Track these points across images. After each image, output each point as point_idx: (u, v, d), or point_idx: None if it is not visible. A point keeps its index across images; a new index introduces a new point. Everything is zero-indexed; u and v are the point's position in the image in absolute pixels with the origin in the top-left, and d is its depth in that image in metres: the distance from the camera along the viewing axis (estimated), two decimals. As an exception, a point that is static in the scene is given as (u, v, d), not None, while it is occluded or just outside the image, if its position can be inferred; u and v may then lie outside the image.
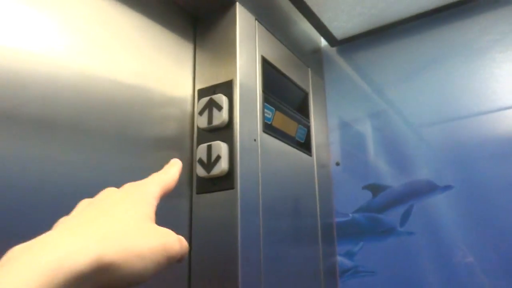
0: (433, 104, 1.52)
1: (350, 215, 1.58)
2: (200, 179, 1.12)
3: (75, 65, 0.91)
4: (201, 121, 1.15)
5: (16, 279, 0.33)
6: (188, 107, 1.20)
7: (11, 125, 0.77)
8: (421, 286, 1.40)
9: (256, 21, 1.30)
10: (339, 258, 1.55)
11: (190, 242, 1.10)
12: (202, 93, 1.19)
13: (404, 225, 1.47)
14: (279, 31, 1.42)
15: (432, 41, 1.57)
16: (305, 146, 1.46)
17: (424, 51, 1.59)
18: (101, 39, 0.99)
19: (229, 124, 1.12)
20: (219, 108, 1.12)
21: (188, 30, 1.27)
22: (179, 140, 1.16)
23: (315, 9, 1.48)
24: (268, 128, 1.24)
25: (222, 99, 1.12)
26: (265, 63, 1.29)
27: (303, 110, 1.50)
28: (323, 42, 1.78)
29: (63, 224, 0.45)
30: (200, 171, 1.10)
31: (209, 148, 1.10)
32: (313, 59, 1.69)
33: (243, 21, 1.23)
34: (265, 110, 1.24)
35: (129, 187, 0.55)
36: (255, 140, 1.17)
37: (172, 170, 0.61)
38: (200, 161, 1.11)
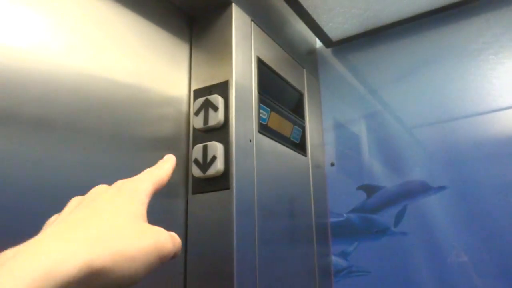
0: (427, 105, 1.53)
1: (345, 215, 1.59)
2: (196, 179, 1.13)
3: (71, 65, 0.91)
4: (197, 122, 1.15)
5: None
6: (184, 108, 1.21)
7: (7, 125, 0.77)
8: (414, 286, 1.41)
9: (252, 22, 1.30)
10: (333, 258, 1.56)
11: (185, 242, 1.10)
12: (198, 93, 1.20)
13: (398, 225, 1.48)
14: (274, 32, 1.43)
15: (426, 42, 1.59)
16: (300, 146, 1.47)
17: (418, 53, 1.60)
18: (97, 39, 0.99)
19: (225, 124, 1.12)
20: (215, 108, 1.12)
21: (184, 30, 1.27)
22: (175, 140, 1.16)
23: (310, 10, 1.49)
24: (264, 129, 1.25)
25: (218, 100, 1.13)
26: (261, 63, 1.29)
27: (298, 110, 1.50)
28: (318, 43, 1.79)
29: (52, 227, 0.43)
30: (195, 171, 1.11)
31: (205, 148, 1.10)
32: (308, 60, 1.69)
33: (239, 21, 1.23)
34: (261, 111, 1.25)
35: (120, 184, 0.54)
36: (250, 140, 1.17)
37: (166, 166, 0.60)
38: (196, 162, 1.11)
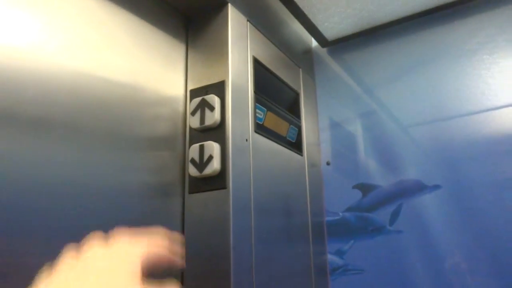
0: (422, 105, 1.54)
1: (341, 214, 1.60)
2: (193, 179, 1.13)
3: (67, 65, 0.91)
4: (194, 121, 1.16)
5: None
6: (181, 107, 1.21)
7: (4, 124, 0.77)
8: (409, 284, 1.42)
9: (248, 22, 1.31)
10: (329, 257, 1.57)
11: (182, 241, 1.11)
12: (194, 93, 1.20)
13: (394, 224, 1.49)
14: (270, 32, 1.44)
15: (422, 42, 1.60)
16: (296, 146, 1.48)
17: (413, 53, 1.61)
18: (94, 39, 0.99)
19: (221, 124, 1.13)
20: (211, 108, 1.13)
21: (180, 30, 1.28)
22: (172, 140, 1.17)
23: (306, 10, 1.50)
24: (260, 128, 1.26)
25: (214, 100, 1.13)
26: (257, 63, 1.30)
27: (294, 110, 1.51)
28: (314, 43, 1.80)
29: None
30: (192, 170, 1.12)
31: (202, 148, 1.11)
32: (304, 60, 1.70)
33: (235, 22, 1.24)
34: (257, 111, 1.26)
35: (116, 249, 0.51)
36: (247, 140, 1.18)
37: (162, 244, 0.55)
38: (193, 161, 1.12)
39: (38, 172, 0.81)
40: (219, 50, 1.20)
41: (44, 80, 0.86)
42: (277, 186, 1.30)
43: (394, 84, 1.62)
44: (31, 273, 0.78)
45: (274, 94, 1.38)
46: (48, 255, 0.81)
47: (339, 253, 1.56)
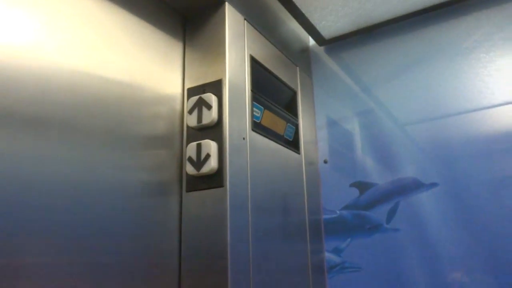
0: (419, 103, 1.54)
1: (338, 212, 1.60)
2: (190, 177, 1.14)
3: (65, 64, 0.91)
4: (191, 120, 1.16)
5: None
6: (178, 106, 1.21)
7: (3, 123, 0.77)
8: (406, 281, 1.43)
9: (245, 20, 1.31)
10: (326, 254, 1.57)
11: (180, 239, 1.11)
12: (192, 92, 1.21)
13: (391, 221, 1.50)
14: (268, 31, 1.44)
15: (418, 41, 1.60)
16: (293, 144, 1.48)
17: (410, 51, 1.61)
18: (92, 38, 0.99)
19: (219, 123, 1.13)
20: (209, 107, 1.13)
21: (177, 29, 1.28)
22: (169, 139, 1.17)
23: (303, 9, 1.50)
24: (257, 127, 1.26)
25: (212, 98, 1.14)
26: (254, 62, 1.30)
27: (291, 108, 1.52)
28: (311, 41, 1.80)
29: None
30: (189, 169, 1.12)
31: (199, 146, 1.11)
32: (301, 58, 1.71)
33: (232, 20, 1.24)
34: (254, 109, 1.26)
35: None
36: (244, 138, 1.18)
37: None
38: (190, 160, 1.12)
39: (35, 170, 0.82)
40: (216, 49, 1.20)
41: (42, 79, 0.86)
42: (274, 184, 1.31)
43: (391, 82, 1.62)
44: (31, 273, 0.78)
45: (272, 93, 1.38)
46: (46, 253, 0.81)
47: (337, 251, 1.56)
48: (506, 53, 1.44)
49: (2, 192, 0.76)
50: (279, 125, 1.40)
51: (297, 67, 1.63)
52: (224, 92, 1.15)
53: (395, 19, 1.61)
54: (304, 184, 1.51)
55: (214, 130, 1.13)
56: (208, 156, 1.09)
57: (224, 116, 1.13)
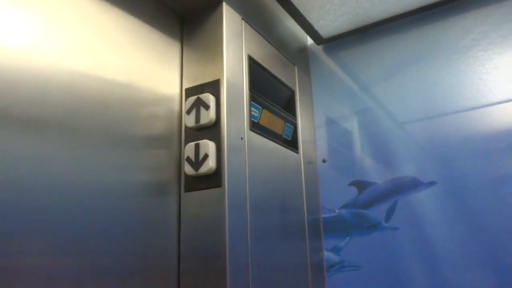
0: (417, 102, 1.54)
1: (337, 211, 1.60)
2: (188, 177, 1.14)
3: (63, 65, 0.91)
4: (189, 120, 1.16)
5: None
6: (176, 106, 1.22)
7: (1, 125, 0.78)
8: (405, 280, 1.43)
9: (243, 20, 1.31)
10: (326, 253, 1.58)
11: (179, 239, 1.12)
12: (190, 92, 1.21)
13: (389, 220, 1.50)
14: (265, 30, 1.44)
15: (416, 39, 1.60)
16: (292, 143, 1.48)
17: (408, 50, 1.61)
18: (90, 39, 0.99)
19: (217, 123, 1.13)
20: (207, 107, 1.13)
21: (175, 30, 1.28)
22: (168, 139, 1.17)
23: (301, 8, 1.50)
24: (255, 127, 1.26)
25: (210, 98, 1.14)
26: (252, 62, 1.31)
27: (289, 108, 1.52)
28: (309, 41, 1.80)
29: None
30: (188, 169, 1.12)
31: (197, 146, 1.12)
32: (299, 57, 1.71)
33: (229, 20, 1.24)
34: (252, 109, 1.26)
35: None
36: (242, 138, 1.19)
37: None
38: (188, 160, 1.12)
39: (35, 171, 0.82)
40: (214, 49, 1.21)
41: (40, 80, 0.86)
42: (273, 184, 1.31)
43: (389, 81, 1.62)
44: (29, 274, 0.79)
45: (270, 92, 1.38)
46: (44, 254, 0.82)
47: (336, 250, 1.56)
48: (504, 51, 1.44)
49: (1, 193, 0.76)
50: (278, 125, 1.40)
51: (295, 67, 1.63)
52: (222, 92, 1.15)
53: (393, 17, 1.61)
54: (303, 183, 1.51)
55: (212, 130, 1.13)
56: (206, 156, 1.09)
57: (222, 116, 1.13)
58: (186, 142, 1.16)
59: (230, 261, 1.03)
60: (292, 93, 1.56)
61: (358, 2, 1.50)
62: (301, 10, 1.51)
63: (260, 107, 1.30)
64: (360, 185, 1.58)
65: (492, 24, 1.47)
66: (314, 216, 1.56)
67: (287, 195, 1.39)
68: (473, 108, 1.45)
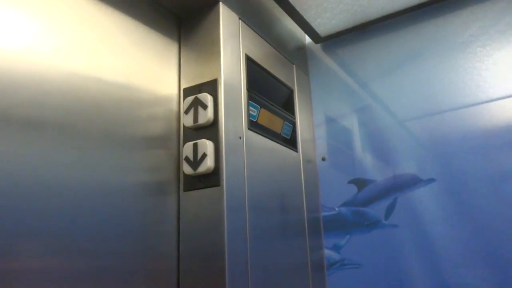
0: (416, 99, 1.54)
1: (337, 209, 1.60)
2: (187, 177, 1.14)
3: (62, 66, 0.92)
4: (187, 120, 1.17)
5: None
6: (174, 106, 1.22)
7: (0, 127, 0.78)
8: (405, 277, 1.43)
9: (240, 20, 1.31)
10: (326, 251, 1.58)
11: (178, 238, 1.12)
12: (188, 92, 1.21)
13: (389, 218, 1.50)
14: (263, 30, 1.44)
15: (414, 36, 1.60)
16: (291, 142, 1.48)
17: (406, 47, 1.61)
18: (88, 40, 1.00)
19: (214, 122, 1.14)
20: (204, 107, 1.14)
21: (172, 30, 1.28)
22: (166, 139, 1.17)
23: (298, 7, 1.50)
24: (254, 126, 1.26)
25: (207, 98, 1.14)
26: (249, 61, 1.31)
27: (288, 106, 1.52)
28: (307, 39, 1.80)
29: None
30: (186, 169, 1.12)
31: (195, 146, 1.12)
32: (297, 56, 1.71)
33: (226, 20, 1.24)
34: (250, 108, 1.26)
35: None
36: (240, 137, 1.19)
37: None
38: (187, 159, 1.13)
39: (34, 173, 0.82)
40: (211, 49, 1.21)
41: (38, 81, 0.86)
42: (272, 183, 1.31)
43: (388, 78, 1.62)
44: (28, 275, 0.79)
45: (268, 91, 1.39)
46: (44, 255, 0.82)
47: (336, 248, 1.57)
48: (503, 46, 1.44)
49: (1, 195, 0.76)
50: (276, 124, 1.40)
51: (294, 65, 1.63)
52: (219, 92, 1.15)
53: (391, 15, 1.61)
54: (303, 182, 1.52)
55: (210, 130, 1.13)
56: (204, 155, 1.10)
57: (220, 116, 1.13)
58: (185, 142, 1.16)
59: (229, 261, 1.03)
60: (291, 91, 1.56)
61: (355, 0, 1.50)
62: (298, 9, 1.52)
63: (258, 106, 1.31)
64: (360, 183, 1.59)
65: (490, 20, 1.47)
66: (314, 215, 1.56)
67: (287, 194, 1.39)
68: (472, 105, 1.44)
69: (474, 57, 1.47)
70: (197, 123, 1.14)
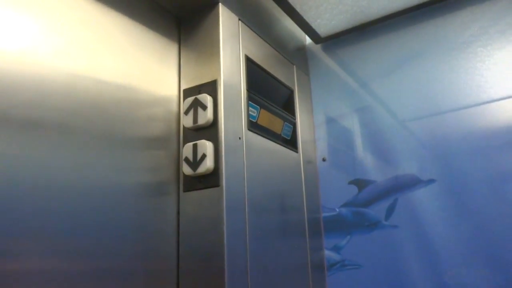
0: (417, 99, 1.54)
1: (337, 209, 1.60)
2: (187, 177, 1.14)
3: (62, 67, 0.92)
4: (187, 121, 1.17)
5: None
6: (174, 107, 1.22)
7: (0, 127, 0.78)
8: (405, 278, 1.43)
9: (240, 21, 1.31)
10: (326, 252, 1.58)
11: (177, 239, 1.12)
12: (187, 93, 1.21)
13: (389, 218, 1.50)
14: (263, 30, 1.44)
15: (415, 36, 1.60)
16: (291, 142, 1.48)
17: (406, 47, 1.61)
18: (88, 41, 1.00)
19: (214, 123, 1.14)
20: (204, 107, 1.14)
21: (172, 31, 1.29)
22: (166, 139, 1.17)
23: (298, 7, 1.50)
24: (253, 126, 1.26)
25: (207, 99, 1.14)
26: (249, 62, 1.31)
27: (288, 107, 1.52)
28: (307, 40, 1.80)
29: None
30: (186, 169, 1.12)
31: (195, 147, 1.12)
32: (298, 57, 1.71)
33: (226, 21, 1.25)
34: (250, 109, 1.26)
35: None
36: (240, 138, 1.19)
37: None
38: (186, 160, 1.13)
39: (33, 173, 0.82)
40: (211, 50, 1.21)
41: (38, 82, 0.87)
42: (272, 184, 1.31)
43: (388, 79, 1.62)
44: (27, 276, 0.79)
45: (268, 92, 1.39)
46: (43, 255, 0.82)
47: (336, 249, 1.56)
48: (503, 46, 1.43)
49: (0, 195, 0.77)
50: (276, 124, 1.40)
51: (294, 66, 1.63)
52: (219, 92, 1.15)
53: (391, 15, 1.61)
54: (303, 182, 1.52)
55: (210, 130, 1.14)
56: (204, 156, 1.10)
57: (219, 116, 1.13)
58: (184, 143, 1.16)
59: (229, 261, 1.03)
60: (291, 92, 1.56)
61: (354, 1, 1.50)
62: (298, 10, 1.52)
63: (258, 107, 1.31)
64: (360, 183, 1.58)
65: (491, 19, 1.46)
66: (314, 215, 1.56)
67: (287, 195, 1.39)
68: (473, 105, 1.44)
69: (475, 57, 1.47)
70: (196, 124, 1.14)
